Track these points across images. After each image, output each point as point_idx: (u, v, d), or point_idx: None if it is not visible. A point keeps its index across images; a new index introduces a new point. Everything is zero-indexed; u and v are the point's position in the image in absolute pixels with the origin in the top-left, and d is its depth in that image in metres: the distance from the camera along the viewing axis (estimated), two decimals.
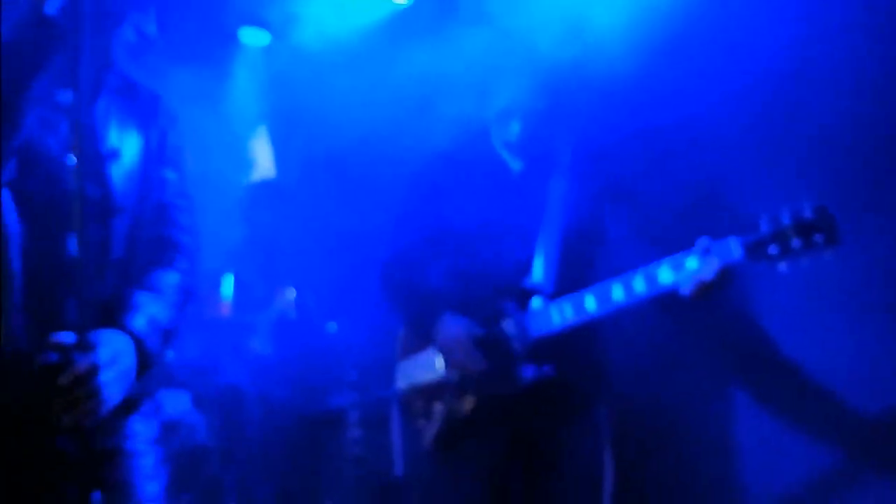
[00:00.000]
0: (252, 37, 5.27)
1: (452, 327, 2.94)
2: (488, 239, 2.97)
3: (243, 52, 5.28)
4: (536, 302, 2.89)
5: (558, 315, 2.82)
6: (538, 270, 2.93)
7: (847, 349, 3.19)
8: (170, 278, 2.28)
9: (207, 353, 4.51)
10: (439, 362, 3.00)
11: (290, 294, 4.65)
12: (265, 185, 5.06)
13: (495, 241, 2.97)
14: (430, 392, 3.04)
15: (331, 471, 4.15)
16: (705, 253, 2.59)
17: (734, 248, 2.56)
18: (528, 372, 2.86)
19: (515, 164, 3.07)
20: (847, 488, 3.26)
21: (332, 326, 4.26)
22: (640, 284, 2.68)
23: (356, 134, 4.51)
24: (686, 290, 2.62)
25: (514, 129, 2.99)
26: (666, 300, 2.68)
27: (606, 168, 3.05)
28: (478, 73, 3.10)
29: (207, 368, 4.45)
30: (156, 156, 2.34)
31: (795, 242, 2.46)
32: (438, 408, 3.03)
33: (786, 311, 3.32)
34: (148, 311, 2.17)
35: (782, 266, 2.48)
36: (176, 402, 4.18)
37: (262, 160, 5.22)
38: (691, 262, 2.61)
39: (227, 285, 4.62)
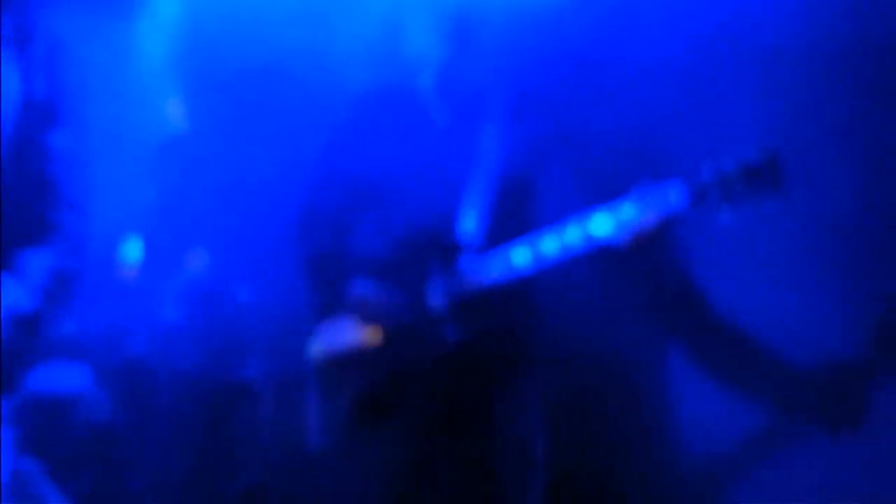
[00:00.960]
0: None
1: (365, 290, 2.78)
2: (414, 193, 2.80)
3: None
4: (464, 257, 2.70)
5: (486, 271, 2.65)
6: (468, 224, 2.73)
7: (788, 304, 3.11)
8: (39, 259, 1.96)
9: (111, 321, 4.15)
10: (354, 330, 2.83)
11: (202, 258, 4.29)
12: (175, 141, 4.66)
13: (422, 194, 2.80)
14: (347, 360, 2.88)
15: (243, 445, 3.84)
16: (644, 200, 2.43)
17: (674, 195, 2.42)
18: (453, 334, 2.67)
19: (443, 114, 2.90)
20: (785, 445, 3.23)
21: (243, 290, 3.93)
22: (573, 236, 2.52)
23: (276, 83, 4.22)
24: (623, 240, 2.47)
25: (428, 80, 2.78)
26: (601, 253, 2.52)
27: (541, 113, 2.88)
28: (401, 13, 2.91)
29: (111, 338, 4.09)
30: (39, 114, 1.97)
31: (738, 188, 2.36)
32: (355, 376, 2.88)
33: (724, 265, 3.20)
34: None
35: (724, 213, 2.38)
36: (76, 376, 3.82)
37: (173, 114, 4.81)
38: (629, 211, 2.45)
39: (133, 248, 4.24)
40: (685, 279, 3.29)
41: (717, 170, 2.39)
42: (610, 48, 3.27)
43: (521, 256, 2.61)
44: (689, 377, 3.34)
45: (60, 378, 3.80)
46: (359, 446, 2.95)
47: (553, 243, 2.56)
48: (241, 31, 4.38)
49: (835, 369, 3.04)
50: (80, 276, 2.17)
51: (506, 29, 2.90)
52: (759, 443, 3.22)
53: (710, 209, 2.42)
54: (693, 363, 3.32)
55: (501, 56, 2.92)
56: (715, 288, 3.25)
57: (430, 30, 2.81)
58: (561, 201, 2.75)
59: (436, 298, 2.72)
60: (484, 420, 2.81)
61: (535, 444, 2.87)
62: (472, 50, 2.82)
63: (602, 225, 2.52)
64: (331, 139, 3.04)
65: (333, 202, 2.97)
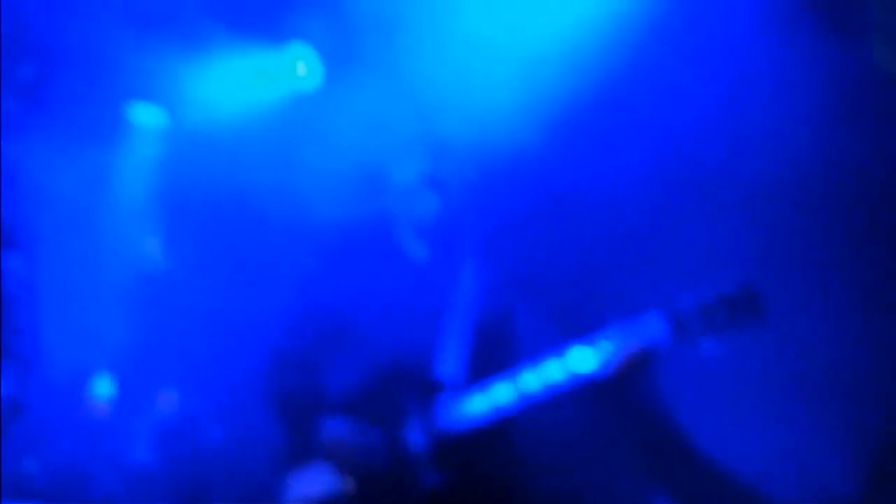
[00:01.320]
0: (144, 115, 4.87)
1: (339, 430, 2.63)
2: (390, 331, 2.69)
3: (133, 131, 4.86)
4: (441, 396, 2.58)
5: (465, 409, 2.53)
6: (445, 362, 2.64)
7: (770, 440, 3.01)
8: None
9: (78, 461, 3.97)
10: (328, 474, 2.65)
11: (174, 397, 4.14)
12: (151, 278, 4.58)
13: (398, 333, 2.69)
14: None
15: None
16: (625, 332, 2.38)
17: (656, 325, 2.36)
18: (431, 480, 2.52)
19: (419, 251, 2.81)
20: None
21: (215, 432, 3.77)
22: (555, 370, 2.43)
23: (251, 221, 4.22)
24: (606, 373, 2.39)
25: (429, 203, 2.73)
26: (584, 388, 2.44)
27: (516, 252, 2.84)
28: (375, 153, 2.83)
29: (77, 479, 3.90)
30: None
31: (719, 318, 2.30)
32: None
33: (709, 400, 3.09)
34: None
35: (706, 343, 2.31)
36: None
37: (151, 250, 4.75)
38: (610, 343, 2.39)
39: (103, 385, 4.09)
40: (667, 417, 3.19)
41: (696, 301, 2.31)
42: (581, 183, 3.24)
43: (500, 394, 2.49)
44: None
45: None
46: None
47: (534, 379, 2.45)
48: (217, 171, 4.37)
49: None
50: (30, 406, 2.08)
51: (479, 166, 2.87)
52: None
53: (691, 341, 2.32)
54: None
55: (475, 194, 2.88)
56: (700, 424, 3.11)
57: (407, 169, 2.75)
58: (538, 338, 2.66)
59: (413, 439, 2.58)
60: None
61: None
62: (448, 189, 2.76)
63: (583, 359, 2.42)
64: (305, 276, 2.93)
65: (307, 339, 2.81)
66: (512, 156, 2.92)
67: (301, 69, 4.42)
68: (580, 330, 2.45)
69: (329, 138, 3.75)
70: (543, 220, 3.13)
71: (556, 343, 2.51)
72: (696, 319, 2.30)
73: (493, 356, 2.65)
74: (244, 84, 4.48)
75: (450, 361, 2.63)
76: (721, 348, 2.31)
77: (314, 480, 2.69)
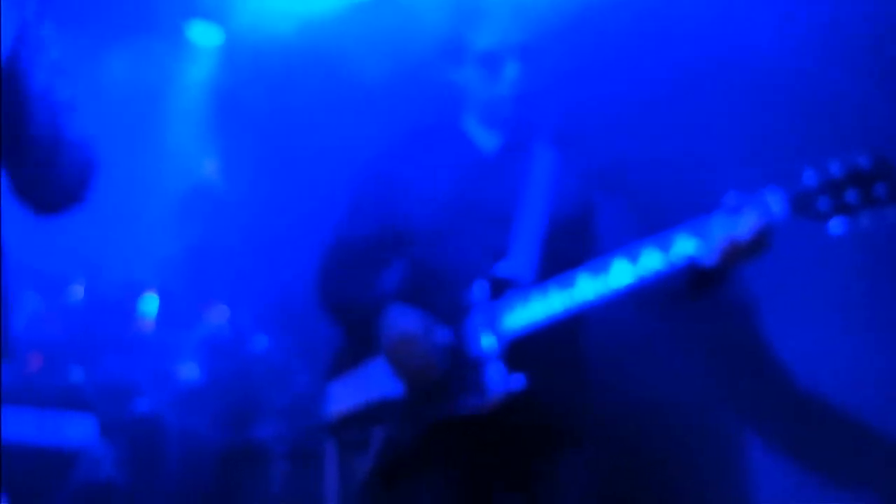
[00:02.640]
0: (202, 34, 4.62)
1: (405, 323, 2.24)
2: (455, 231, 2.34)
3: (191, 48, 4.62)
4: (512, 295, 2.21)
5: (542, 305, 2.14)
6: (515, 260, 2.26)
7: (853, 355, 2.58)
8: None
9: (123, 374, 3.77)
10: (382, 376, 2.30)
11: (222, 312, 3.92)
12: (202, 192, 4.35)
13: (463, 232, 2.33)
14: (369, 416, 2.35)
15: None
16: (736, 211, 1.97)
17: (774, 202, 1.94)
18: (496, 384, 2.15)
19: (489, 142, 2.44)
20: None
21: (261, 341, 3.53)
22: (651, 258, 2.03)
23: (310, 135, 3.93)
24: (711, 257, 1.98)
25: (509, 72, 2.33)
26: (676, 285, 2.06)
27: (597, 148, 2.44)
28: (449, 30, 2.43)
29: (122, 392, 3.70)
30: None
31: (851, 195, 1.88)
32: (378, 435, 2.34)
33: (800, 327, 2.69)
34: None
35: (835, 224, 1.89)
36: (79, 428, 3.42)
37: (205, 166, 4.52)
38: (719, 224, 1.98)
39: (151, 300, 3.88)
40: (749, 329, 2.81)
41: (821, 173, 1.89)
42: (672, 79, 2.85)
43: (585, 285, 2.09)
44: (757, 446, 2.80)
45: (62, 429, 3.40)
46: None
47: (626, 267, 2.04)
48: (273, 84, 4.14)
49: None
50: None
51: (556, 56, 2.52)
52: None
53: (818, 219, 1.88)
54: (762, 430, 2.80)
55: (551, 84, 2.53)
56: (781, 340, 2.72)
57: (479, 56, 2.33)
58: (621, 236, 2.24)
59: (479, 341, 2.19)
60: (529, 492, 2.27)
61: None
62: (522, 77, 2.41)
63: (686, 242, 1.99)
64: (362, 172, 2.62)
65: (362, 236, 2.45)
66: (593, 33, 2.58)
67: None
68: (669, 226, 2.05)
69: (388, 44, 3.49)
70: (628, 124, 2.73)
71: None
72: (821, 196, 1.90)
73: (570, 254, 2.26)
74: None
75: (521, 259, 2.27)
76: (853, 228, 1.88)
77: (363, 385, 2.39)
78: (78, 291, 3.80)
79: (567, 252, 2.27)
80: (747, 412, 2.86)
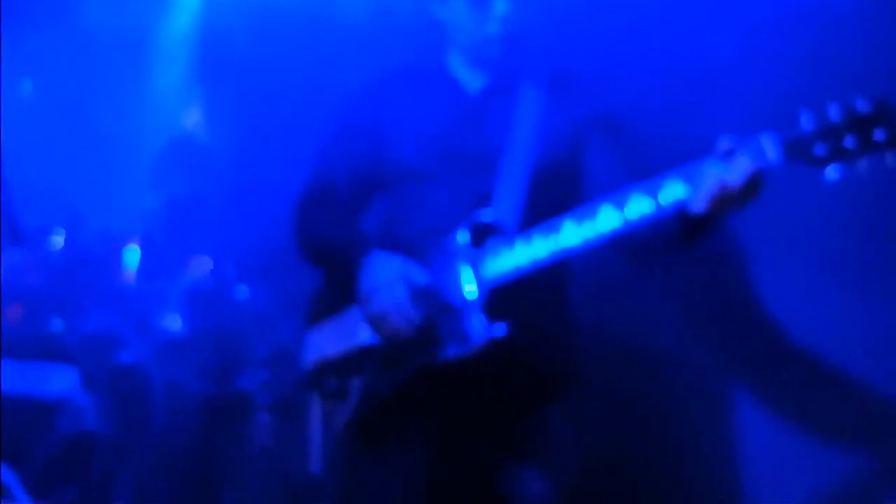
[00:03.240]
0: None
1: (384, 267, 2.13)
2: (438, 175, 2.22)
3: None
4: (496, 241, 2.10)
5: (526, 251, 2.04)
6: (499, 206, 2.15)
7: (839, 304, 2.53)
8: None
9: (106, 325, 3.68)
10: (361, 324, 2.19)
11: (205, 263, 3.82)
12: (184, 144, 4.23)
13: (447, 176, 2.21)
14: (347, 365, 2.25)
15: (236, 463, 3.31)
16: (729, 155, 1.86)
17: (768, 147, 1.83)
18: (478, 332, 2.06)
19: (475, 83, 2.31)
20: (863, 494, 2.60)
21: (242, 292, 3.44)
22: (639, 203, 1.93)
23: (292, 81, 3.80)
24: (701, 202, 1.88)
25: (499, 8, 2.20)
26: (665, 230, 1.96)
27: (587, 93, 2.30)
28: None
29: (104, 343, 3.61)
30: None
31: (849, 140, 1.77)
32: (356, 384, 2.24)
33: (787, 279, 2.61)
34: None
35: (832, 171, 1.78)
36: (61, 379, 3.33)
37: (188, 119, 4.40)
38: (710, 168, 1.88)
39: (133, 252, 3.78)
40: (745, 275, 2.73)
41: (819, 118, 1.79)
42: (670, 27, 2.73)
43: (571, 231, 2.00)
44: (743, 395, 2.72)
45: (43, 380, 3.32)
46: (362, 471, 2.27)
47: (612, 213, 1.95)
48: (256, 31, 4.01)
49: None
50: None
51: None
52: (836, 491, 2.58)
53: (815, 165, 1.78)
54: (748, 378, 2.74)
55: (542, 25, 2.39)
56: (773, 301, 2.65)
57: None
58: (611, 182, 2.07)
59: (462, 285, 2.09)
60: (511, 444, 2.20)
61: (571, 479, 2.26)
62: (512, 14, 2.18)
63: (677, 187, 1.90)
64: (348, 113, 2.38)
65: (342, 179, 2.33)
66: None
67: None
68: (660, 171, 1.95)
69: None
70: (621, 67, 2.54)
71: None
72: (819, 140, 1.80)
73: (557, 199, 2.14)
74: None
75: (505, 204, 2.16)
76: (850, 173, 1.78)
77: (342, 332, 2.28)
78: (58, 241, 3.69)
79: (554, 197, 2.16)
80: (733, 360, 2.79)
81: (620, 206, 1.96)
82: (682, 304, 2.84)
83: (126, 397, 3.50)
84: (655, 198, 1.93)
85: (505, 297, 2.08)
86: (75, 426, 3.31)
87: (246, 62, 4.12)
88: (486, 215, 2.14)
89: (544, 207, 2.12)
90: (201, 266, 3.80)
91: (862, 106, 1.77)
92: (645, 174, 2.01)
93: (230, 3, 4.18)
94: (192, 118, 4.36)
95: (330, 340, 2.32)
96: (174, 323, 3.77)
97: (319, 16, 3.60)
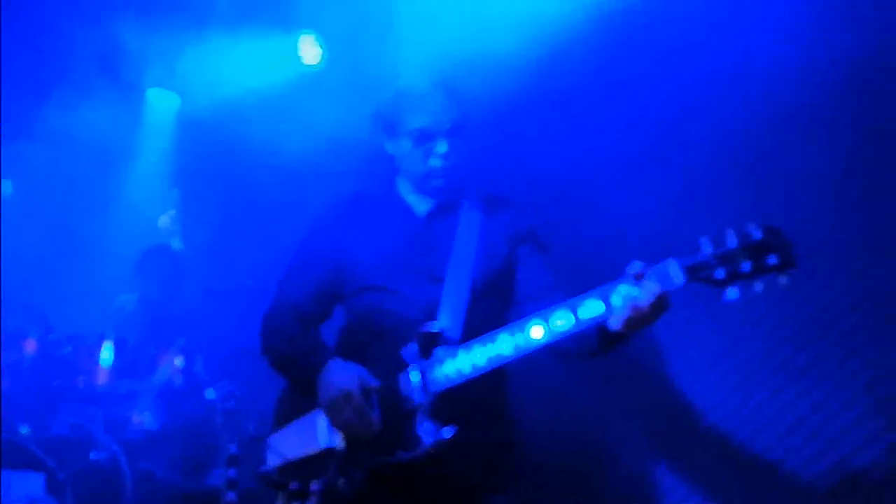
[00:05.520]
0: (161, 99, 4.42)
1: (341, 376, 2.17)
2: (393, 290, 2.29)
3: (151, 113, 4.41)
4: (442, 350, 2.14)
5: (466, 358, 2.09)
6: (444, 316, 2.21)
7: (772, 417, 2.56)
8: None
9: (79, 425, 3.48)
10: (321, 428, 2.21)
11: (178, 361, 3.65)
12: (159, 250, 4.10)
13: (400, 290, 2.28)
14: (308, 467, 2.22)
15: None
16: (639, 280, 1.93)
17: (673, 272, 1.90)
18: (428, 435, 2.07)
19: (422, 206, 2.41)
20: None
21: (210, 393, 3.27)
22: (562, 319, 2.00)
23: (266, 194, 3.81)
24: (617, 321, 1.95)
25: (440, 148, 2.30)
26: (587, 342, 2.04)
27: (518, 211, 2.40)
28: (387, 109, 2.39)
29: (76, 443, 3.40)
30: None
31: (745, 266, 1.85)
32: (315, 487, 2.20)
33: (705, 373, 2.68)
34: None
35: (731, 292, 1.86)
36: (25, 485, 3.12)
37: (163, 225, 4.27)
38: (623, 290, 1.94)
39: (107, 352, 3.60)
40: (664, 379, 2.75)
41: (717, 244, 1.86)
42: (592, 129, 2.82)
43: (502, 346, 2.05)
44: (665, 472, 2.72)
45: (7, 488, 3.11)
46: None
47: (541, 328, 2.00)
48: (226, 149, 3.95)
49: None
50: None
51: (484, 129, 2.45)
52: None
53: (716, 287, 1.86)
54: (683, 471, 2.69)
55: (479, 153, 2.45)
56: (693, 390, 2.69)
57: (413, 133, 2.29)
58: (543, 293, 2.20)
59: (411, 392, 2.12)
60: None
61: None
62: (451, 152, 2.29)
63: (592, 308, 1.98)
64: (307, 234, 2.45)
65: (304, 292, 2.38)
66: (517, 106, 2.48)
67: (306, 51, 3.98)
68: (588, 285, 2.00)
69: (333, 110, 3.34)
70: (546, 187, 2.70)
71: (561, 297, 2.04)
72: (719, 266, 1.87)
73: (496, 309, 2.26)
74: (252, 67, 4.02)
75: (450, 315, 2.21)
76: (747, 295, 1.85)
77: (303, 437, 2.25)
78: (31, 346, 3.51)
79: (492, 305, 2.27)
80: (658, 447, 2.77)
81: (546, 320, 2.02)
82: (613, 395, 2.85)
83: (97, 495, 3.28)
84: (576, 314, 2.00)
85: (452, 400, 2.11)
86: None
87: (218, 175, 4.07)
88: (432, 326, 2.19)
89: (484, 315, 2.21)
90: (174, 364, 3.63)
91: (755, 233, 1.85)
92: (568, 283, 2.12)
93: (202, 120, 4.11)
94: (165, 223, 4.24)
95: (292, 444, 2.31)
96: (147, 420, 3.57)
97: (285, 136, 3.57)
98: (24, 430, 3.30)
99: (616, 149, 2.86)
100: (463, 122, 2.29)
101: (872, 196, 2.43)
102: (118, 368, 3.59)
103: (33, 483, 3.12)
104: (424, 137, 2.28)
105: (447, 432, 2.06)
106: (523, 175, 2.90)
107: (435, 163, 2.29)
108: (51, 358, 3.54)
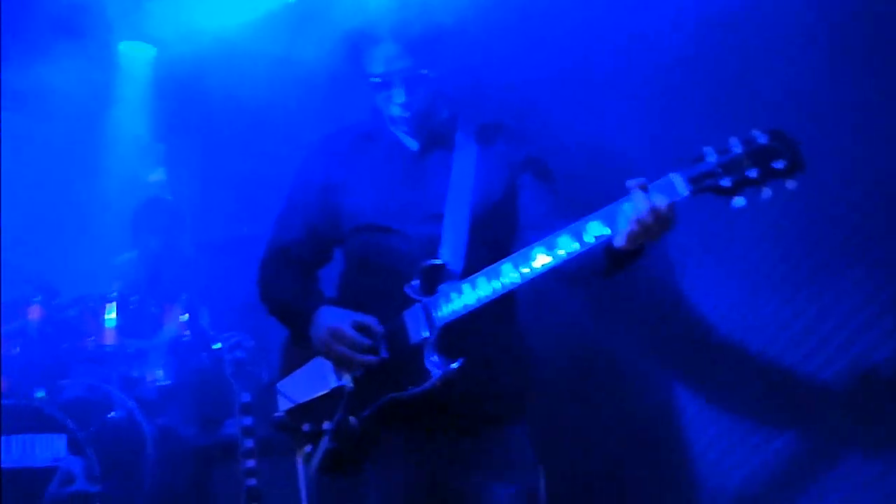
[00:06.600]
0: (134, 51, 4.21)
1: (330, 318, 2.13)
2: (391, 227, 2.19)
3: (127, 65, 4.20)
4: (445, 284, 2.06)
5: (471, 291, 2.01)
6: (446, 251, 2.12)
7: (784, 324, 2.47)
8: None
9: (93, 387, 3.40)
10: (328, 368, 2.16)
11: (182, 316, 3.55)
12: (154, 203, 3.95)
13: (399, 228, 2.18)
14: (319, 409, 2.17)
15: None
16: (643, 195, 1.82)
17: (678, 184, 1.80)
18: (436, 368, 2.01)
19: (411, 143, 2.27)
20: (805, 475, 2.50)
21: (218, 345, 3.20)
22: (566, 243, 1.90)
23: (255, 138, 3.63)
24: (622, 238, 1.85)
25: (397, 97, 2.17)
26: (594, 263, 1.94)
27: (516, 137, 2.26)
28: (351, 51, 2.22)
29: (93, 404, 3.33)
30: None
31: (752, 172, 1.74)
32: (326, 426, 2.14)
33: (715, 287, 2.58)
34: None
35: (739, 200, 1.76)
36: (47, 448, 3.06)
37: (153, 178, 4.12)
38: (627, 207, 1.83)
39: (110, 312, 3.50)
40: (677, 305, 2.66)
41: (722, 153, 1.74)
42: (589, 48, 2.68)
43: (509, 271, 1.95)
44: (696, 408, 2.64)
45: (30, 452, 3.05)
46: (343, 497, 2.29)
47: (544, 253, 1.91)
48: (210, 94, 3.77)
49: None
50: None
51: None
52: (780, 475, 2.49)
53: (723, 195, 1.75)
54: (697, 393, 2.64)
55: (468, 80, 2.32)
56: (708, 312, 2.59)
57: (371, 81, 2.16)
58: (545, 219, 2.08)
59: (415, 329, 2.05)
60: (474, 471, 2.12)
61: (537, 496, 2.13)
62: (412, 99, 2.16)
63: (597, 229, 1.86)
64: (302, 175, 2.34)
65: (301, 235, 2.28)
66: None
67: None
68: (590, 207, 1.89)
69: (314, 44, 3.17)
70: (543, 115, 2.59)
71: (564, 223, 1.93)
72: (724, 175, 1.76)
73: (498, 241, 2.15)
74: (226, 6, 3.79)
75: (452, 250, 2.11)
76: (755, 202, 1.74)
77: (311, 380, 2.20)
78: (35, 312, 3.40)
79: (494, 236, 2.17)
80: (674, 360, 2.71)
81: (551, 248, 1.93)
82: (624, 315, 2.76)
83: (118, 452, 3.22)
84: (581, 239, 1.90)
85: (459, 333, 2.04)
86: (64, 489, 3.03)
87: (203, 122, 3.89)
88: (434, 261, 2.10)
89: (486, 247, 2.11)
90: (178, 320, 3.53)
91: (761, 138, 1.74)
92: (571, 209, 1.98)
93: (179, 68, 3.91)
94: (156, 179, 4.08)
95: (301, 387, 2.24)
96: (159, 376, 3.49)
97: (274, 73, 3.40)
98: (41, 393, 3.23)
99: (607, 64, 2.71)
100: (423, 67, 2.13)
101: (871, 88, 2.31)
102: (123, 328, 3.50)
103: (56, 444, 3.06)
104: (380, 85, 2.16)
105: (456, 364, 2.00)
106: (512, 101, 2.75)
107: (395, 111, 2.18)
108: (57, 322, 3.45)
